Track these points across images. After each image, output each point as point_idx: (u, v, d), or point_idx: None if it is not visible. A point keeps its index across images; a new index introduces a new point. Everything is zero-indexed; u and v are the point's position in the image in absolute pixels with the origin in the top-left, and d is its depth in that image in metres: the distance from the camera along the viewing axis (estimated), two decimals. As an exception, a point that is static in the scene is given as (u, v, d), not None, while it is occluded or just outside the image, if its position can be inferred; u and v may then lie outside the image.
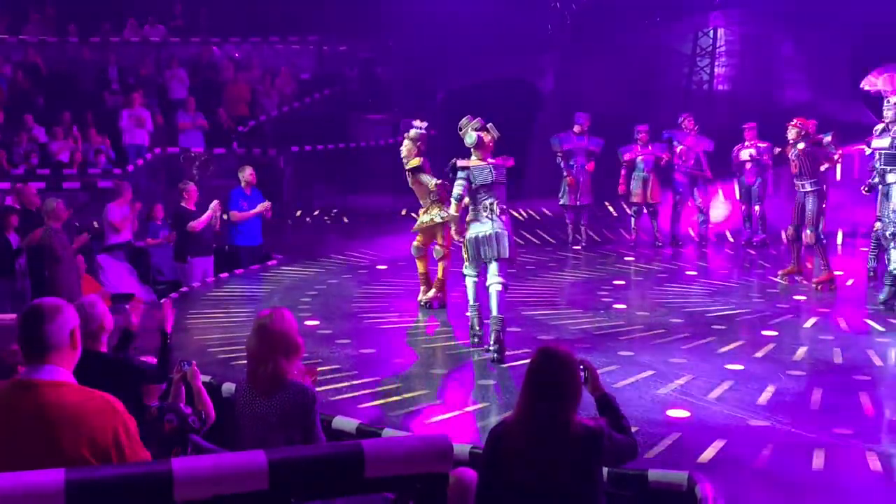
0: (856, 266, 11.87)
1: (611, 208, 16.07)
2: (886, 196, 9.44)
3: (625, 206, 14.62)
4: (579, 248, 13.57)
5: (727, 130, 14.21)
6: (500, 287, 7.51)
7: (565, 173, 13.69)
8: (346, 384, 6.86)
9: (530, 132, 18.27)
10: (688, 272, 11.79)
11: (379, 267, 11.93)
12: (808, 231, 10.40)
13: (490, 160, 7.79)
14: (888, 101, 9.43)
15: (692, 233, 14.33)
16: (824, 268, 10.48)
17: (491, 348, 7.43)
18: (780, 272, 11.06)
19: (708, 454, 5.48)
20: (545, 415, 3.57)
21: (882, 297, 9.35)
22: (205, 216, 10.57)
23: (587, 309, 9.53)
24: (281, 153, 17.32)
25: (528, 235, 14.19)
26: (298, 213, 16.70)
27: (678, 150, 13.90)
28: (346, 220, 16.46)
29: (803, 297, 10.19)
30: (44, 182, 14.49)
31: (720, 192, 15.28)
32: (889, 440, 5.77)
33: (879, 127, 9.64)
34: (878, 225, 11.01)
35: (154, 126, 16.52)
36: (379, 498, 3.36)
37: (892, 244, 9.27)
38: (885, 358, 7.67)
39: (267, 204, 11.37)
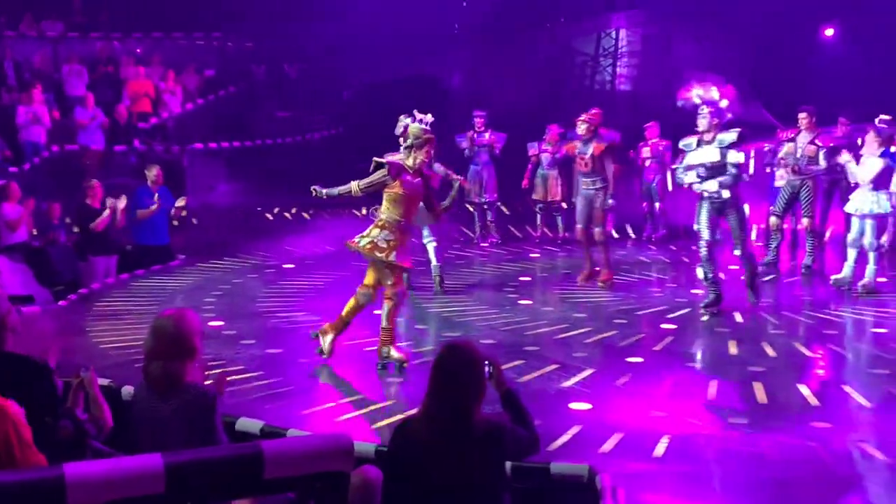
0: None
1: (515, 206, 16.25)
2: (719, 213, 9.15)
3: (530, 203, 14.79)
4: (486, 244, 13.70)
5: (629, 130, 14.48)
6: (435, 243, 9.84)
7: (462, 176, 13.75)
8: (251, 385, 6.81)
9: (438, 131, 18.32)
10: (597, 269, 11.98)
11: (286, 266, 11.84)
12: (597, 229, 10.44)
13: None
14: (702, 111, 9.00)
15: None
16: (604, 266, 10.55)
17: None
18: (578, 278, 10.85)
19: (608, 445, 5.61)
20: (450, 410, 3.62)
21: (706, 302, 9.29)
22: (105, 215, 10.35)
23: (493, 305, 9.64)
24: (184, 151, 17.03)
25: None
26: (203, 211, 16.43)
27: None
28: (251, 218, 16.27)
29: (701, 292, 10.46)
30: (-65, 181, 13.96)
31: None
32: (781, 429, 5.98)
33: (692, 140, 9.17)
34: (773, 220, 11.42)
35: (52, 123, 16.08)
36: (280, 498, 3.36)
37: (702, 260, 9.20)
38: (778, 349, 7.94)
39: (182, 200, 11.21)
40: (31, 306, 9.37)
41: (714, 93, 9.01)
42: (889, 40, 17.42)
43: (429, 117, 7.40)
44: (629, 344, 8.05)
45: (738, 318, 9.09)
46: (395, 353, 7.20)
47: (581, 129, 10.43)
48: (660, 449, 5.56)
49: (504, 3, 21.13)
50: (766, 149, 14.14)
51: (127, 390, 6.22)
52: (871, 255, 9.94)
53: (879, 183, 9.89)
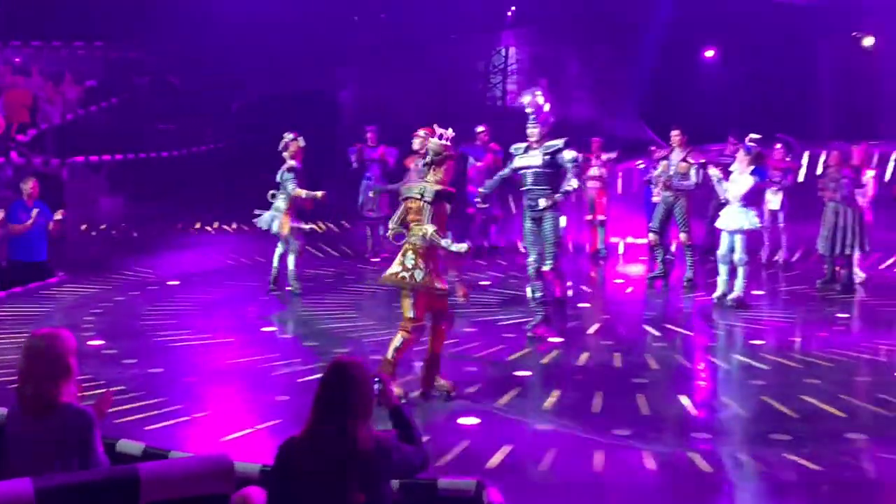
0: (635, 276, 12.57)
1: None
2: (537, 223, 8.80)
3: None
4: (377, 259, 13.64)
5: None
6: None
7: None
8: (133, 405, 6.62)
9: (329, 145, 18.27)
10: (481, 282, 12.09)
11: (170, 283, 11.56)
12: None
13: None
14: (532, 119, 8.81)
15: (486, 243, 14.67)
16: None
17: None
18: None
19: (496, 459, 5.65)
20: (334, 429, 3.56)
21: (531, 323, 8.93)
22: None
23: (383, 321, 9.59)
24: (64, 163, 16.50)
25: (327, 248, 14.16)
26: (83, 226, 15.94)
27: (473, 164, 14.20)
28: (135, 234, 15.86)
29: (587, 305, 10.68)
30: None
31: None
32: (664, 440, 6.12)
33: (521, 146, 8.98)
34: (652, 237, 11.57)
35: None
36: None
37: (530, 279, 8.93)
38: (661, 362, 8.13)
39: (36, 211, 10.82)
40: None
41: (540, 98, 8.86)
42: (766, 62, 18.19)
43: (449, 132, 7.03)
44: (517, 358, 8.13)
45: (623, 331, 9.29)
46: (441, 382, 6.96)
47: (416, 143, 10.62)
48: (546, 462, 5.63)
49: (396, 19, 21.22)
50: (640, 166, 14.57)
51: (0, 412, 5.96)
52: (741, 270, 10.19)
53: (749, 200, 10.23)
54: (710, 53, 20.71)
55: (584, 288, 11.71)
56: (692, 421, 6.56)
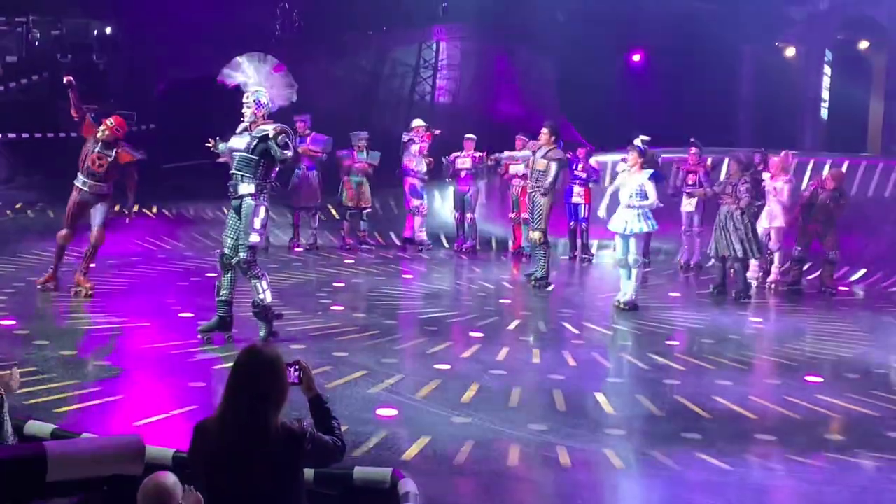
0: (556, 273, 12.71)
1: (333, 211, 16.17)
2: (237, 212, 7.97)
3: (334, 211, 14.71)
4: (301, 249, 13.55)
5: (446, 140, 14.71)
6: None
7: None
8: (44, 387, 6.47)
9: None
10: (404, 276, 12.11)
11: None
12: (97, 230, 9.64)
13: None
14: (247, 97, 8.07)
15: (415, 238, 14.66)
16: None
17: None
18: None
19: (412, 451, 5.68)
20: (245, 415, 3.52)
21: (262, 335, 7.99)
22: None
23: (306, 310, 9.55)
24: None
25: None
26: (-1, 205, 15.51)
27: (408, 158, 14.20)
28: (51, 214, 15.46)
29: (508, 301, 10.76)
30: None
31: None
32: (578, 436, 6.21)
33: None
34: (535, 235, 11.36)
35: None
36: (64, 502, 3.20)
37: (249, 273, 7.98)
38: (578, 359, 8.24)
39: None
40: None
41: (263, 78, 8.16)
42: (687, 68, 18.53)
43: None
44: (437, 351, 8.16)
45: (542, 327, 9.39)
46: None
47: None
48: (462, 454, 5.66)
49: (323, 7, 21.02)
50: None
51: None
52: (634, 272, 10.22)
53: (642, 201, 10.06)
54: (636, 58, 21.04)
55: (506, 285, 11.81)
56: (607, 418, 6.66)
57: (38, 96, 18.17)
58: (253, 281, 7.93)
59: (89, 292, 9.50)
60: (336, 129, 14.42)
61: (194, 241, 13.56)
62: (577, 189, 13.76)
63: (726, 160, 13.10)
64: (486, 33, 19.90)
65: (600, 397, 7.07)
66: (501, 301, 10.70)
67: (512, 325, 9.44)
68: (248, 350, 3.69)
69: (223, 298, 8.07)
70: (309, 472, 4.77)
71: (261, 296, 7.93)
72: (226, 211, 14.25)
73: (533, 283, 11.27)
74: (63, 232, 9.67)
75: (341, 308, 9.83)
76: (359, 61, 19.91)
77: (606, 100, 18.45)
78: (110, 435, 5.43)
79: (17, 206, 15.72)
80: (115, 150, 9.69)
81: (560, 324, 9.57)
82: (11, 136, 16.65)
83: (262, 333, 7.94)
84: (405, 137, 14.34)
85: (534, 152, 11.40)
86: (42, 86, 18.55)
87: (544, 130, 11.30)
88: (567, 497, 5.36)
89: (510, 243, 14.31)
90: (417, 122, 14.40)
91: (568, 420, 6.52)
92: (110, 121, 9.75)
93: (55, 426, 5.50)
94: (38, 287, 9.68)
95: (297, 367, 3.85)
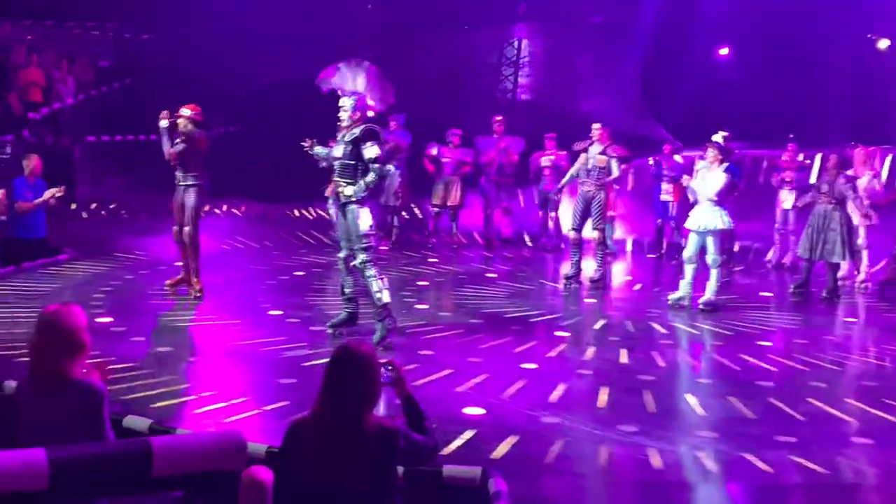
0: (643, 272, 12.56)
1: (417, 210, 16.27)
2: (344, 214, 8.08)
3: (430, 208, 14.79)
4: (385, 248, 13.65)
5: (528, 139, 14.67)
6: None
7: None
8: (140, 382, 6.63)
9: (333, 134, 18.23)
10: (488, 274, 12.09)
11: (177, 263, 11.53)
12: (187, 229, 9.64)
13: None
14: (343, 101, 8.12)
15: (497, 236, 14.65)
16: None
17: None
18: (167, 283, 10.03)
19: (501, 450, 5.65)
20: (339, 413, 3.56)
21: (376, 337, 7.95)
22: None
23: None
24: (76, 143, 16.51)
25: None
26: (93, 205, 15.96)
27: (483, 158, 14.23)
28: (144, 214, 15.86)
29: (594, 300, 10.66)
30: None
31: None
32: (669, 437, 6.11)
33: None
34: (572, 234, 11.23)
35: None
36: (167, 497, 3.26)
37: (367, 273, 8.01)
38: (668, 359, 8.12)
39: (54, 191, 10.84)
40: None
41: (360, 83, 8.16)
42: (777, 62, 18.11)
43: None
44: (523, 350, 8.13)
45: (630, 327, 9.27)
46: None
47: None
48: (552, 454, 5.62)
49: (408, 9, 21.15)
50: (650, 162, 14.52)
51: (9, 385, 5.99)
52: (714, 272, 9.99)
53: (722, 198, 9.90)
54: (724, 52, 20.63)
55: (591, 283, 11.69)
56: (698, 420, 6.54)
57: (130, 99, 18.64)
58: (370, 281, 8.01)
59: (198, 294, 9.62)
60: (418, 129, 14.51)
61: (281, 240, 13.75)
62: (665, 186, 13.56)
63: (818, 157, 12.80)
64: (568, 30, 19.74)
65: (691, 398, 6.95)
66: (587, 300, 10.61)
67: (598, 325, 9.35)
68: (342, 348, 3.71)
69: (348, 296, 8.29)
70: (399, 470, 4.80)
71: (378, 296, 7.99)
72: (314, 212, 14.46)
73: (591, 284, 11.12)
74: (174, 229, 9.76)
75: (426, 306, 9.87)
76: (442, 59, 19.95)
77: (693, 95, 18.14)
78: (207, 430, 5.55)
79: (112, 206, 16.18)
80: (188, 135, 9.51)
81: (648, 323, 9.44)
82: (105, 138, 17.12)
83: (375, 337, 7.95)
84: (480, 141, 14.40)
85: (585, 150, 11.17)
86: (133, 89, 19.05)
87: (597, 126, 11.15)
88: (659, 500, 5.28)
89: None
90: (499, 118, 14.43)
91: (658, 421, 6.42)
92: (186, 110, 9.67)
93: (152, 421, 5.69)
94: (167, 289, 9.76)
95: (389, 367, 3.87)
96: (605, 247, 11.34)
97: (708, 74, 19.36)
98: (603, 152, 11.00)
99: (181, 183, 9.60)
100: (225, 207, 16.27)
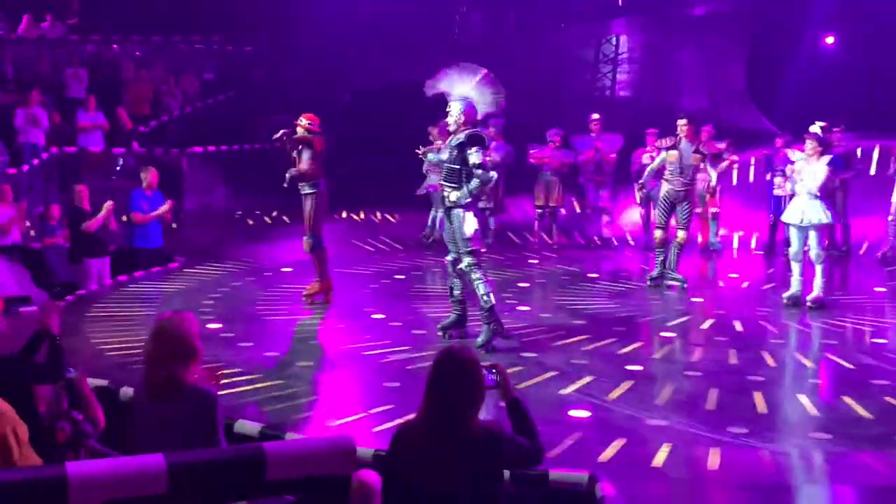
0: (751, 270, 12.26)
1: (514, 212, 16.22)
2: (449, 219, 8.16)
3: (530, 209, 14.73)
4: (485, 250, 13.63)
5: (628, 136, 14.49)
6: None
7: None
8: (249, 388, 6.78)
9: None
10: (590, 274, 11.98)
11: (284, 269, 11.80)
12: (305, 237, 9.70)
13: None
14: (450, 106, 8.07)
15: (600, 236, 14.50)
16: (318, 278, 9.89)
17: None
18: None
19: (608, 453, 5.59)
20: (445, 417, 3.56)
21: (480, 339, 7.97)
22: (99, 216, 10.31)
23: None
24: (183, 154, 17.00)
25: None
26: (201, 214, 16.40)
27: (581, 157, 14.12)
28: (250, 222, 16.24)
29: (700, 300, 10.46)
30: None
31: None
32: (781, 439, 5.96)
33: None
34: (658, 233, 10.88)
35: (50, 125, 16.03)
36: (280, 501, 3.32)
37: (473, 276, 8.03)
38: (778, 359, 7.91)
39: (168, 205, 11.19)
40: (28, 307, 9.33)
41: (470, 87, 8.11)
42: (888, 50, 17.45)
43: None
44: (628, 352, 8.02)
45: (738, 326, 9.06)
46: None
47: None
48: (660, 457, 5.53)
49: (502, 10, 21.13)
50: (759, 158, 14.17)
51: (125, 391, 6.20)
52: (819, 268, 9.64)
53: (823, 191, 9.54)
54: (830, 40, 19.98)
55: (697, 282, 11.49)
56: (811, 421, 6.36)
57: (234, 110, 19.11)
58: (476, 284, 8.03)
59: (328, 298, 9.79)
60: (515, 131, 14.46)
61: (381, 245, 13.89)
62: (778, 180, 13.22)
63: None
64: (668, 23, 19.42)
65: (803, 399, 6.76)
66: (693, 299, 10.41)
67: (705, 325, 9.17)
68: (447, 352, 3.72)
69: (457, 298, 8.32)
70: (505, 474, 4.79)
71: (484, 299, 8.00)
72: (413, 216, 14.53)
73: (678, 284, 10.77)
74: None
75: (528, 308, 9.83)
76: (538, 59, 19.85)
77: (800, 86, 17.62)
78: (317, 435, 5.65)
79: (218, 214, 16.59)
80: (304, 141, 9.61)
81: (757, 322, 9.21)
82: (211, 148, 17.58)
83: (479, 340, 7.97)
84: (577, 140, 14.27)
85: (668, 148, 10.74)
86: (237, 100, 19.52)
87: (683, 122, 10.60)
88: (773, 503, 5.15)
89: (699, 239, 13.92)
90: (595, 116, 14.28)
91: (769, 423, 6.27)
92: (304, 120, 9.81)
93: (262, 426, 5.81)
94: (306, 300, 9.84)
95: (494, 370, 3.86)
96: (681, 248, 10.85)
97: (815, 64, 18.79)
98: (696, 151, 10.64)
99: (302, 192, 9.71)
100: (344, 213, 16.43)
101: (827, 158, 9.57)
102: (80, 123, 16.25)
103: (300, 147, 9.62)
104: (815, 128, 9.75)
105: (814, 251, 9.66)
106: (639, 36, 20.10)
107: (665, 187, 10.82)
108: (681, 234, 10.80)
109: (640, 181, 11.62)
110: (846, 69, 17.90)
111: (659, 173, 10.99)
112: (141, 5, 19.91)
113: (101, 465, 2.16)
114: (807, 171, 9.63)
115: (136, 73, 18.55)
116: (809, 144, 9.67)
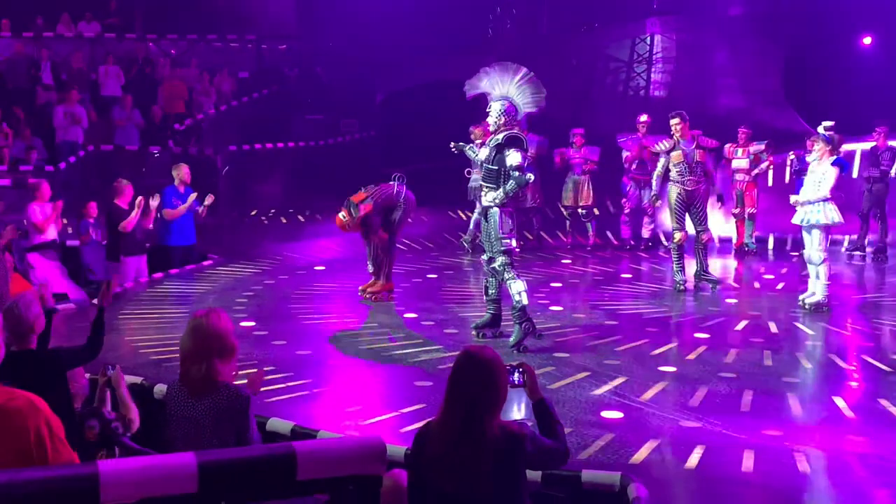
0: (786, 270, 12.13)
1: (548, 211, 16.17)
2: (486, 218, 8.20)
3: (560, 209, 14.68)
4: (518, 250, 13.60)
5: (662, 136, 14.34)
6: None
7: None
8: (281, 385, 6.81)
9: (464, 137, 18.31)
10: (623, 275, 11.92)
11: (317, 268, 11.85)
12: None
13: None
14: (491, 106, 8.13)
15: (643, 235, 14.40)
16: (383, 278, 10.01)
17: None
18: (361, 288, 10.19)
19: (640, 455, 5.55)
20: (464, 418, 3.54)
21: (512, 339, 7.97)
22: (133, 215, 10.40)
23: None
24: (218, 152, 17.13)
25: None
26: (235, 213, 16.52)
27: (625, 155, 14.02)
28: (283, 220, 16.34)
29: (734, 301, 10.37)
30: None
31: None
32: (817, 441, 5.89)
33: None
34: (678, 236, 10.65)
35: (88, 123, 16.23)
36: (311, 500, 3.33)
37: (506, 276, 8.05)
38: (813, 361, 7.82)
39: (194, 196, 11.24)
40: (65, 304, 9.44)
41: (511, 88, 8.09)
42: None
43: None
44: (661, 352, 7.97)
45: (773, 328, 8.97)
46: None
47: None
48: (693, 459, 5.49)
49: (536, 9, 21.07)
50: (790, 157, 13.99)
51: (160, 388, 6.24)
52: (813, 269, 9.50)
53: (832, 192, 9.31)
54: (867, 41, 19.73)
55: (731, 283, 11.39)
56: (847, 423, 6.27)
57: (269, 109, 19.23)
58: (509, 283, 8.03)
59: (391, 297, 9.94)
60: (550, 129, 14.41)
61: (413, 245, 13.90)
62: (738, 177, 13.12)
63: None
64: (703, 23, 19.26)
65: (839, 401, 6.67)
66: (727, 300, 10.32)
67: (739, 326, 9.08)
68: (467, 353, 3.71)
69: (492, 297, 8.31)
70: (537, 474, 4.78)
71: (517, 298, 7.98)
72: (454, 214, 14.55)
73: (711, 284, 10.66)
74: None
75: (560, 308, 9.79)
76: (572, 58, 19.78)
77: (835, 87, 17.42)
78: (349, 435, 5.66)
79: (252, 212, 16.71)
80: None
81: (792, 324, 9.11)
82: (245, 147, 17.70)
83: (512, 339, 7.95)
84: (621, 138, 14.13)
85: (668, 151, 10.61)
86: (271, 99, 19.64)
87: (676, 121, 10.58)
88: (807, 506, 5.09)
89: (733, 239, 13.81)
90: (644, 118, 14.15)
91: (804, 425, 6.19)
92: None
93: (294, 424, 5.83)
94: (370, 298, 9.94)
95: (520, 369, 3.84)
96: (705, 248, 10.73)
97: (853, 65, 18.55)
98: (697, 146, 10.50)
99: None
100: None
101: (831, 159, 9.45)
102: (116, 121, 16.44)
103: None
104: (821, 128, 9.68)
105: (814, 252, 9.50)
106: (674, 36, 19.95)
107: (675, 190, 10.57)
108: (701, 235, 10.63)
109: (653, 192, 11.39)
110: (883, 70, 17.65)
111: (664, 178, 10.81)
112: (175, 4, 20.11)
113: (132, 464, 2.16)
114: (814, 171, 9.52)
115: (172, 71, 18.72)
116: (817, 145, 9.56)
